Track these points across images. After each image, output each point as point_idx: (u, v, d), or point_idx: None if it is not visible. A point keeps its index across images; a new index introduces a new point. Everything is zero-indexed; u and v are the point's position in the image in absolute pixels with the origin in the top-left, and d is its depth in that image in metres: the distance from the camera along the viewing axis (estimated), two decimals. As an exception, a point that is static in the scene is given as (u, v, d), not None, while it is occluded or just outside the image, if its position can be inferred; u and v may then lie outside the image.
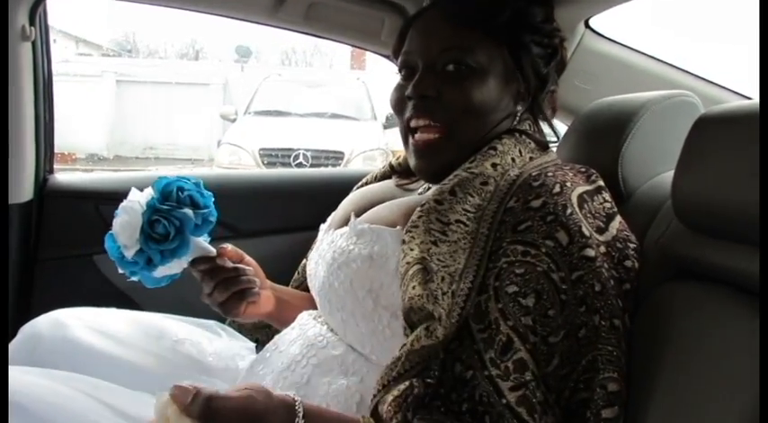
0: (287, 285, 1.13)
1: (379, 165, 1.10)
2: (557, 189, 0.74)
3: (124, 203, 0.84)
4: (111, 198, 1.43)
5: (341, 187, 1.10)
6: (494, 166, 0.80)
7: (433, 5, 0.92)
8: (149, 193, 0.84)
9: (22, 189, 1.37)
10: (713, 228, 0.72)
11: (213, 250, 0.88)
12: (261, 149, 5.67)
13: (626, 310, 0.74)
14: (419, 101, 0.85)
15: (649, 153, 0.94)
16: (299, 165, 5.54)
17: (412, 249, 0.77)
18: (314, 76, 9.75)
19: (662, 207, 0.85)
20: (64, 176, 1.48)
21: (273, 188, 1.54)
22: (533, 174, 0.76)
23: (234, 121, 6.51)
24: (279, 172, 1.58)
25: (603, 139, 0.97)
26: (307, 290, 1.05)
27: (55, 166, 1.49)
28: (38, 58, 1.37)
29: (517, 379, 0.68)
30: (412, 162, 0.90)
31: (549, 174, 0.76)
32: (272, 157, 5.67)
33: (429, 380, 0.70)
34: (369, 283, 0.81)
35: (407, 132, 0.89)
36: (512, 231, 0.72)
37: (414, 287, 0.74)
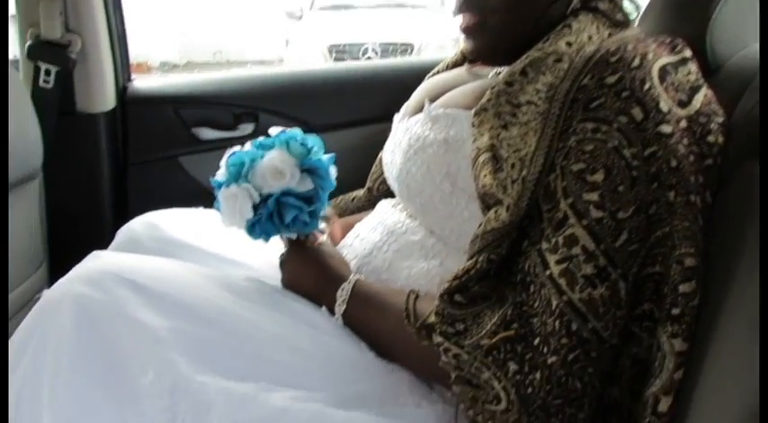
0: (364, 179, 1.15)
1: (450, 54, 1.08)
2: (636, 63, 0.71)
3: (231, 192, 0.83)
4: (189, 101, 1.49)
5: (412, 77, 1.09)
6: (568, 44, 0.77)
7: None
8: (255, 193, 0.83)
9: (106, 98, 1.42)
10: None
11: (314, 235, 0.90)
12: (329, 46, 5.61)
13: (707, 187, 0.72)
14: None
15: (742, 20, 0.87)
16: (368, 58, 5.46)
17: (482, 134, 0.77)
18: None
19: (755, 78, 0.80)
20: (142, 83, 1.52)
21: (344, 82, 1.54)
22: (611, 49, 0.72)
23: (300, 18, 6.42)
24: (349, 65, 1.57)
25: (690, 8, 0.90)
26: (384, 183, 1.08)
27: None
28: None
29: (564, 253, 0.68)
30: (463, 46, 0.90)
31: (629, 47, 0.72)
32: (340, 52, 5.61)
33: (493, 256, 0.72)
34: (446, 168, 0.82)
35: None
36: (583, 109, 0.70)
37: (485, 176, 0.75)
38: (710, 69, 0.87)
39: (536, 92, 0.75)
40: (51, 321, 0.73)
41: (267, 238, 0.86)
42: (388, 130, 1.01)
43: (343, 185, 1.17)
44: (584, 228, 0.68)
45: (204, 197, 1.05)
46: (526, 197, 0.71)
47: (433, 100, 0.90)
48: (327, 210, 1.02)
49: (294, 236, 0.88)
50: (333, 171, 0.88)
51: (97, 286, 0.74)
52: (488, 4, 0.83)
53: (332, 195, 1.15)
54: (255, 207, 0.83)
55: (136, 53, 1.55)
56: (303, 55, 5.70)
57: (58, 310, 0.73)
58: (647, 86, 0.70)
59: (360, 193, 1.17)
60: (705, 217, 0.71)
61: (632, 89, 0.69)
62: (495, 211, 0.73)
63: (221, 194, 0.85)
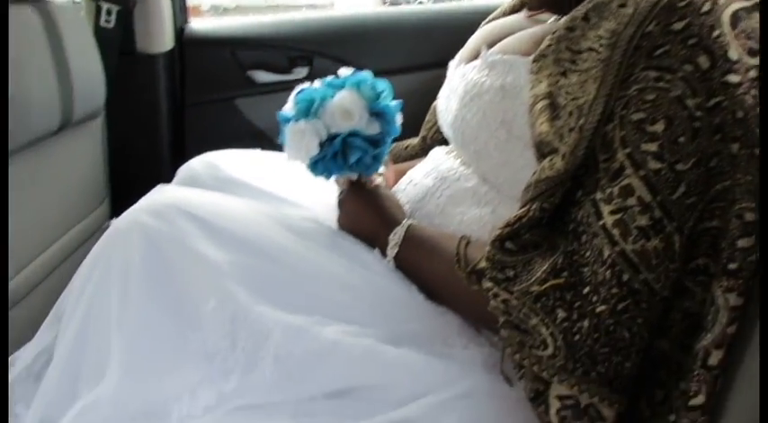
0: (418, 127, 1.15)
1: None
2: (706, 7, 0.67)
3: (298, 127, 0.84)
4: (245, 43, 1.50)
5: (467, 23, 1.07)
6: None
7: None
8: (323, 127, 0.84)
9: (164, 39, 1.44)
10: None
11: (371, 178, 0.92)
12: (382, -11, 5.51)
13: None
14: None
15: None
16: (421, 3, 5.35)
17: (540, 82, 0.75)
18: None
19: None
20: (199, 25, 1.53)
21: (400, 27, 1.52)
22: None
23: (351, -39, 6.29)
24: (404, 10, 1.53)
25: None
26: (438, 131, 1.08)
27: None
28: None
29: (618, 203, 0.67)
30: None
31: None
32: (393, -5, 5.50)
33: (546, 205, 0.72)
34: (502, 115, 0.81)
35: None
36: (646, 57, 0.68)
37: (541, 123, 0.74)
38: None
39: (598, 38, 0.72)
40: (120, 249, 0.77)
41: (328, 177, 0.89)
42: (443, 77, 1.00)
43: (401, 131, 1.18)
44: (641, 178, 0.67)
45: (258, 139, 1.07)
46: (583, 146, 0.70)
47: (490, 46, 0.88)
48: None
49: (354, 177, 0.90)
50: (399, 118, 0.89)
51: (163, 218, 0.77)
52: None
53: (387, 142, 1.18)
54: (321, 145, 0.85)
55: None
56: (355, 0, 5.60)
57: (126, 239, 0.77)
58: (716, 33, 0.67)
59: (413, 141, 1.17)
60: None
61: (700, 36, 0.67)
62: (550, 160, 0.72)
63: (289, 129, 0.86)
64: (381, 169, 0.94)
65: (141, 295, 0.75)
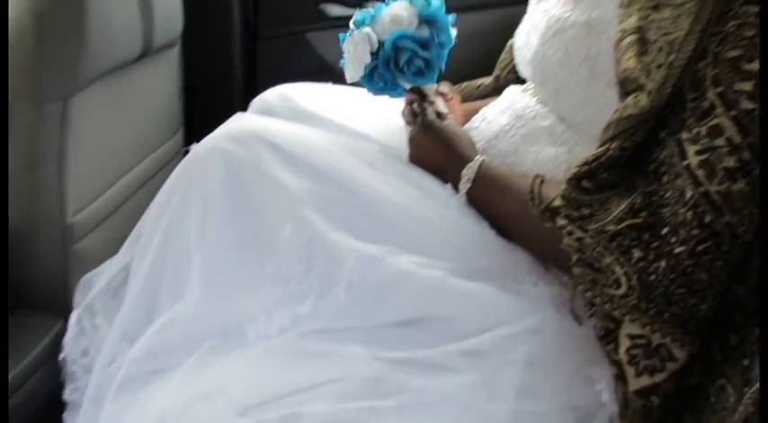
0: (493, 65, 1.13)
1: None
2: None
3: (357, 34, 0.87)
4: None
5: None
6: None
7: None
8: (385, 32, 0.86)
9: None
10: None
11: (431, 88, 0.92)
12: None
13: None
14: None
15: None
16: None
17: (630, 15, 0.72)
18: None
19: None
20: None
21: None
22: None
23: None
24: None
25: None
26: (513, 71, 1.05)
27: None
28: None
29: (705, 143, 0.65)
30: None
31: None
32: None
33: (627, 144, 0.70)
34: (585, 51, 0.79)
35: None
36: None
37: (628, 58, 0.71)
38: None
39: None
40: (199, 173, 0.80)
41: (387, 91, 0.89)
42: (521, 14, 0.97)
43: (472, 70, 1.16)
44: (732, 119, 0.64)
45: (330, 73, 1.06)
46: (670, 84, 0.67)
47: None
48: (449, 89, 1.01)
49: (413, 93, 0.91)
50: (453, 31, 0.89)
51: (242, 144, 0.79)
52: None
53: (459, 80, 1.16)
54: (374, 54, 0.86)
55: None
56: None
57: (206, 164, 0.79)
58: None
59: (486, 80, 1.15)
60: None
61: None
62: (635, 97, 0.70)
63: (344, 45, 0.89)
64: (444, 88, 0.94)
65: (220, 219, 0.78)
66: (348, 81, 0.90)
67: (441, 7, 0.88)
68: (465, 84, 1.17)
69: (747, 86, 0.64)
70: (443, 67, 0.90)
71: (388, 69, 0.85)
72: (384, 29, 0.86)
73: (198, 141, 0.84)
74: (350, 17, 1.45)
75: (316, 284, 0.76)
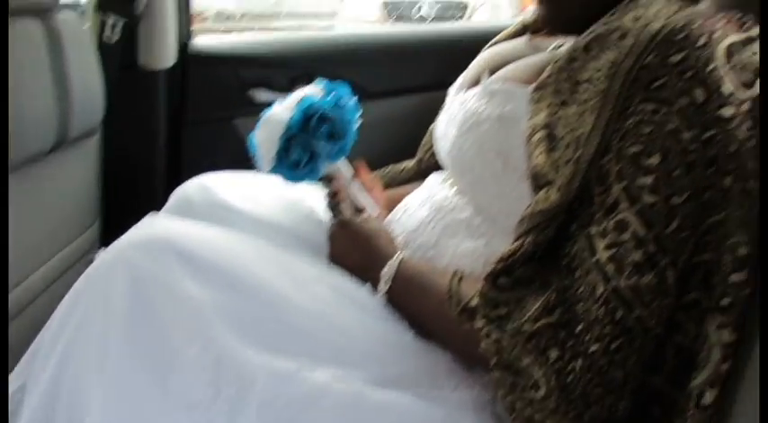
0: (416, 148, 1.15)
1: (505, 14, 1.05)
2: (702, 41, 0.67)
3: (266, 117, 0.89)
4: (250, 61, 1.50)
5: (469, 45, 1.07)
6: (635, 19, 0.74)
7: None
8: (291, 109, 0.87)
9: (167, 55, 1.43)
10: None
11: (348, 173, 0.92)
12: (384, 2, 5.53)
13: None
14: None
15: None
16: (421, 18, 5.38)
17: (539, 112, 0.75)
18: None
19: None
20: (203, 41, 1.53)
21: (401, 47, 1.52)
22: (678, 25, 0.69)
23: (357, -28, 6.33)
24: (406, 30, 1.54)
25: None
26: (434, 154, 1.07)
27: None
28: None
29: (613, 238, 0.67)
30: (537, 8, 0.88)
31: (696, 24, 0.69)
32: (395, 8, 5.52)
33: (540, 238, 0.71)
34: (498, 145, 0.81)
35: None
36: (644, 89, 0.68)
37: (538, 155, 0.73)
38: None
39: (597, 70, 0.73)
40: (103, 287, 0.75)
41: (301, 172, 0.91)
42: (443, 98, 1.00)
43: (396, 154, 1.18)
44: (636, 213, 0.66)
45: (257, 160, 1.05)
46: (578, 178, 0.70)
47: (491, 73, 0.89)
48: (370, 177, 1.03)
49: (326, 168, 0.92)
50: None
51: (149, 254, 0.75)
52: None
53: (382, 164, 1.17)
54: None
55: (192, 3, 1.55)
56: (358, 10, 5.64)
57: (111, 276, 0.75)
58: (711, 67, 0.67)
59: (410, 163, 1.17)
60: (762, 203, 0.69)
61: (696, 69, 0.66)
62: (546, 192, 0.72)
63: (256, 134, 0.92)
64: (345, 166, 0.96)
65: (123, 340, 0.73)
66: (263, 170, 0.90)
67: (345, 87, 0.92)
68: (389, 168, 1.18)
69: (648, 181, 0.67)
70: (353, 138, 0.91)
71: (300, 133, 0.86)
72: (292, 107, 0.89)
73: (116, 236, 0.81)
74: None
75: (225, 409, 0.71)
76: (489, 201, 0.85)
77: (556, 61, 0.77)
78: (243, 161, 1.13)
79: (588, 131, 0.70)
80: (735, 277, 0.66)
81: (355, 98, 0.92)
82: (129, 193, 1.40)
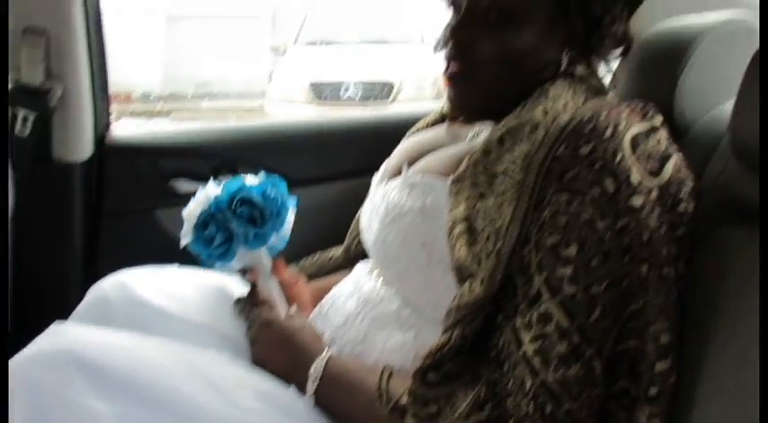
0: (343, 236, 1.14)
1: (428, 93, 1.08)
2: (608, 133, 0.71)
3: (199, 194, 0.87)
4: (169, 151, 1.47)
5: (392, 131, 1.09)
6: (544, 112, 0.77)
7: None
8: (214, 191, 0.88)
9: (83, 147, 1.39)
10: None
11: (266, 266, 0.90)
12: (311, 84, 5.65)
13: (680, 257, 0.72)
14: (455, 45, 0.83)
15: (707, 84, 0.89)
16: (349, 99, 5.51)
17: (458, 204, 0.77)
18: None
19: (720, 142, 0.81)
20: (122, 132, 1.49)
21: (326, 134, 1.53)
22: (585, 118, 0.72)
23: (284, 53, 6.47)
24: (331, 118, 1.56)
25: (658, 70, 0.92)
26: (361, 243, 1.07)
27: (113, 107, 1.49)
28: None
29: (538, 330, 0.68)
30: (447, 95, 0.90)
31: (602, 116, 0.72)
32: (321, 90, 5.64)
33: (467, 331, 0.72)
34: (422, 237, 0.82)
35: (444, 71, 0.87)
36: (558, 180, 0.70)
37: (459, 248, 0.74)
38: (680, 131, 0.88)
39: (512, 161, 0.75)
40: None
41: (217, 253, 0.89)
42: (368, 184, 1.00)
43: (324, 241, 1.17)
44: (558, 304, 0.68)
45: (179, 253, 1.02)
46: (500, 271, 0.71)
47: (410, 163, 0.90)
48: (292, 274, 1.00)
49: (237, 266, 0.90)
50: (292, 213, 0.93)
51: (51, 368, 0.72)
52: (480, 55, 0.82)
53: (311, 252, 1.16)
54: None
55: (117, 84, 1.52)
56: (285, 91, 5.74)
57: (10, 392, 0.71)
58: (618, 158, 0.70)
59: (337, 251, 1.15)
60: (680, 288, 0.71)
61: (605, 160, 0.69)
62: (470, 285, 0.73)
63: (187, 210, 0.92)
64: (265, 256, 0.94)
65: None
66: (182, 243, 0.87)
67: (283, 183, 0.92)
68: (317, 255, 1.17)
69: (568, 271, 0.68)
70: (279, 230, 0.89)
71: (220, 210, 0.85)
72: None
73: (24, 344, 0.76)
74: (200, 193, 1.47)
75: None
76: (416, 292, 0.85)
77: (471, 154, 0.79)
78: (165, 254, 1.09)
79: (507, 223, 0.72)
80: (660, 366, 0.68)
81: (293, 199, 0.91)
82: (40, 292, 1.32)
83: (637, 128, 0.73)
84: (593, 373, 0.67)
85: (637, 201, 0.69)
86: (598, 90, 0.84)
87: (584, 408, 0.67)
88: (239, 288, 1.04)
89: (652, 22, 1.01)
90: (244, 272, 0.95)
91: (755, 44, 0.86)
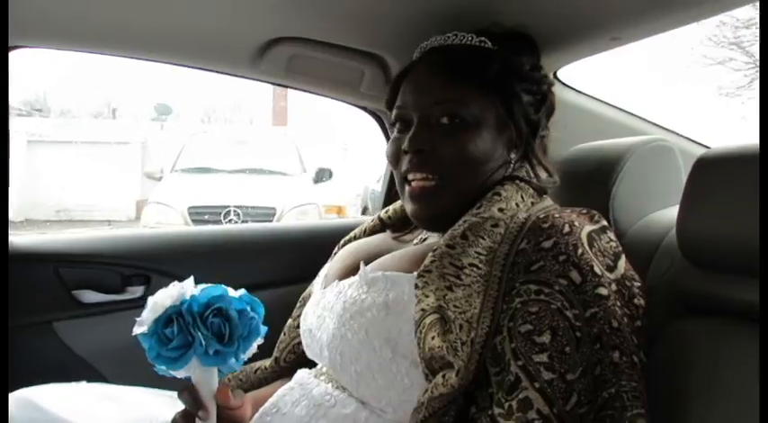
0: (266, 347, 1.08)
1: (311, 219, 1.09)
2: (566, 229, 0.75)
3: (172, 286, 0.77)
4: (71, 260, 1.36)
5: (312, 241, 1.09)
6: (501, 210, 0.81)
7: (421, 60, 0.93)
8: (202, 289, 0.78)
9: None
10: (717, 262, 0.75)
11: (212, 386, 0.80)
12: (190, 208, 5.53)
13: (640, 347, 0.74)
14: (415, 155, 0.87)
15: (636, 195, 0.99)
16: (231, 222, 5.43)
17: (427, 296, 0.76)
18: (240, 131, 9.73)
19: (660, 245, 0.88)
20: (20, 239, 1.37)
21: (244, 243, 1.48)
22: (541, 216, 0.77)
23: (160, 179, 6.34)
24: (249, 227, 1.51)
25: (591, 183, 1.01)
26: (293, 352, 1.02)
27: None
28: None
29: (519, 418, 0.67)
30: (408, 208, 0.90)
31: (556, 215, 0.77)
32: (201, 214, 5.53)
33: None
34: (386, 332, 0.79)
35: (404, 182, 0.90)
36: (524, 272, 0.73)
37: (433, 338, 0.73)
38: (617, 237, 0.94)
39: (477, 255, 0.77)
40: None
41: (171, 355, 0.75)
42: (291, 295, 0.98)
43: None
44: (538, 390, 0.67)
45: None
46: (475, 359, 0.70)
47: (366, 263, 0.89)
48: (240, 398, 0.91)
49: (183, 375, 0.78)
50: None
51: None
52: (442, 160, 0.85)
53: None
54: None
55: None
56: (161, 216, 5.55)
57: None
58: (580, 251, 0.73)
59: (265, 363, 1.09)
60: (644, 377, 0.73)
61: (568, 253, 0.73)
62: (443, 376, 0.71)
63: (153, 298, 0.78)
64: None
65: None
66: (135, 331, 0.76)
67: (261, 308, 0.81)
68: (243, 367, 1.09)
69: (544, 358, 0.69)
70: (240, 355, 0.80)
71: (191, 314, 0.74)
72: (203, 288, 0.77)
73: None
74: (109, 304, 1.34)
75: None
76: (377, 392, 0.81)
77: (435, 249, 0.80)
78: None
79: (478, 313, 0.73)
80: None
81: (265, 329, 0.81)
82: None
83: (589, 227, 0.78)
84: None
85: (603, 290, 0.72)
86: (541, 191, 0.90)
87: None
88: (160, 407, 0.96)
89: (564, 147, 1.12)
90: (186, 391, 0.83)
91: (675, 160, 0.97)
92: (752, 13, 10.18)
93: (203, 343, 0.74)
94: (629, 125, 1.32)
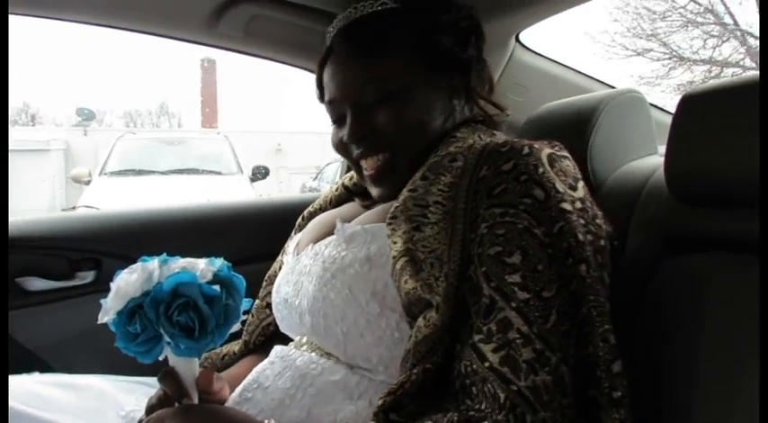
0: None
1: None
2: (525, 151, 0.73)
3: (138, 266, 0.69)
4: (13, 245, 1.24)
5: (274, 216, 1.04)
6: (458, 147, 0.80)
7: (332, 46, 0.91)
8: (157, 274, 0.70)
9: None
10: (707, 195, 0.75)
11: (194, 372, 0.73)
12: (121, 211, 5.33)
13: (605, 266, 0.73)
14: (359, 142, 0.86)
15: (612, 145, 1.00)
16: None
17: (395, 242, 0.74)
18: (172, 133, 9.50)
19: (642, 191, 0.88)
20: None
21: (200, 221, 1.40)
22: (499, 142, 0.76)
23: (88, 183, 6.09)
24: (202, 204, 1.40)
25: (566, 137, 0.99)
26: (263, 334, 0.99)
27: None
28: None
29: (500, 339, 0.65)
30: (374, 192, 0.90)
31: (516, 141, 0.76)
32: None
33: (429, 366, 0.68)
34: (371, 287, 0.76)
35: (358, 168, 0.90)
36: (487, 197, 0.71)
37: (406, 281, 0.71)
38: (595, 187, 0.96)
39: (440, 192, 0.76)
40: None
41: (138, 345, 0.69)
42: (257, 273, 0.93)
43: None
44: (515, 310, 0.66)
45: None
46: (452, 293, 0.69)
47: (332, 230, 0.86)
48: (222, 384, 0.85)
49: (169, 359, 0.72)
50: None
51: None
52: (384, 132, 0.84)
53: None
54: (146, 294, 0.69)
55: None
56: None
57: None
58: (541, 170, 0.72)
59: (233, 347, 1.03)
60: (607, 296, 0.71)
61: (528, 173, 0.71)
62: (425, 317, 0.69)
63: (117, 278, 0.71)
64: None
65: None
66: (100, 319, 0.68)
67: (242, 285, 0.74)
68: (208, 354, 1.03)
69: (516, 278, 0.67)
70: (217, 342, 0.73)
71: (154, 311, 0.67)
72: (172, 271, 0.69)
73: None
74: (56, 291, 1.25)
75: None
76: (366, 352, 0.77)
77: (399, 198, 0.78)
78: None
79: (447, 248, 0.71)
80: (616, 367, 0.67)
81: (248, 302, 0.74)
82: None
83: (549, 150, 0.77)
84: (563, 380, 0.65)
85: (567, 205, 0.71)
86: (493, 125, 0.90)
87: (558, 418, 0.63)
88: (122, 394, 0.93)
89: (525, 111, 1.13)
90: (166, 377, 0.75)
91: (646, 111, 0.98)
92: (666, 6, 10.75)
93: (170, 341, 0.68)
94: (589, 87, 1.32)
